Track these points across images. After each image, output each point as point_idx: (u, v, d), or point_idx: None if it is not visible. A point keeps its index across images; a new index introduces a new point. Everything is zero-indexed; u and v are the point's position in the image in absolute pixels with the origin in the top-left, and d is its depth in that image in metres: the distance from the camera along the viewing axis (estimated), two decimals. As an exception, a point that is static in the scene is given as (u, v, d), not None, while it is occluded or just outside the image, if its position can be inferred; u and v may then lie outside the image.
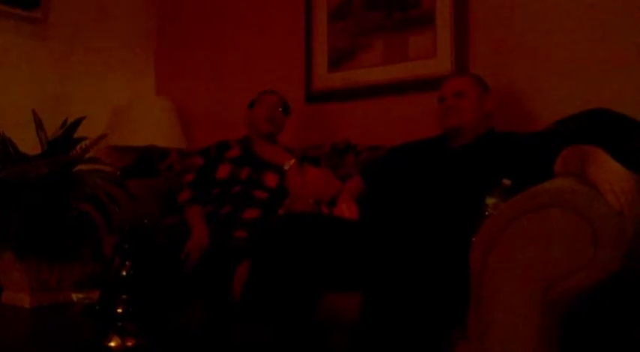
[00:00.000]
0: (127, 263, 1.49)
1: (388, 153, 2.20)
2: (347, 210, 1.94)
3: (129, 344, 1.43)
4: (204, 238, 2.18)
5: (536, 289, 1.25)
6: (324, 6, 2.85)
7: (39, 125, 2.18)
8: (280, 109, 2.55)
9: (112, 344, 1.43)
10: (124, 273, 1.49)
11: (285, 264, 1.64)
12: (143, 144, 3.15)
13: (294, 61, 2.96)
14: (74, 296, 1.80)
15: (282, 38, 3.04)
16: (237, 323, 1.76)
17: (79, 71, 3.25)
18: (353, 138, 2.59)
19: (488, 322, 1.28)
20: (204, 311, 1.91)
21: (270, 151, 2.41)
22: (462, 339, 1.39)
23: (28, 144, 2.29)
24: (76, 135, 2.21)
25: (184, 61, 3.50)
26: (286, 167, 2.31)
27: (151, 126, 3.18)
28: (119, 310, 1.46)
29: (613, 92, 2.01)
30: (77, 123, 2.16)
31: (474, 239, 1.38)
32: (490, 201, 1.54)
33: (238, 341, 1.70)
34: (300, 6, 2.92)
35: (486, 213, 1.52)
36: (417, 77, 2.54)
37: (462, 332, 1.39)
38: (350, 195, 2.04)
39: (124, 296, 1.46)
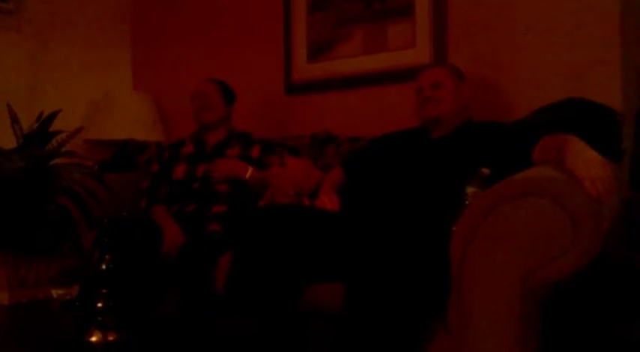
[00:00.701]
0: (106, 256, 1.47)
1: (369, 144, 2.20)
2: (328, 201, 1.94)
3: (110, 338, 1.42)
4: (177, 235, 2.16)
5: (516, 277, 1.26)
6: (303, -3, 2.84)
7: (14, 119, 2.14)
8: (218, 96, 2.49)
9: (94, 338, 1.42)
10: (104, 267, 1.47)
11: (268, 255, 1.64)
12: (121, 137, 3.11)
13: (273, 53, 2.94)
14: (54, 292, 1.77)
15: (261, 30, 3.02)
16: (220, 315, 1.76)
17: (54, 64, 3.19)
18: (333, 128, 2.58)
19: (469, 311, 1.29)
20: (185, 304, 1.90)
21: (225, 167, 2.33)
22: (441, 330, 1.40)
23: (2, 137, 2.25)
24: (51, 129, 2.17)
25: (161, 54, 3.46)
26: (247, 176, 2.28)
27: (128, 119, 3.14)
28: (99, 304, 1.44)
29: (593, 84, 2.03)
30: (53, 116, 2.13)
31: (454, 228, 1.39)
32: (470, 190, 1.56)
33: (221, 333, 1.70)
34: (279, -3, 2.91)
35: (466, 203, 1.53)
36: (396, 67, 2.54)
37: (441, 322, 1.40)
38: (331, 187, 2.04)
39: (104, 291, 1.45)
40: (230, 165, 2.32)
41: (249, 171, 2.28)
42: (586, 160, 1.32)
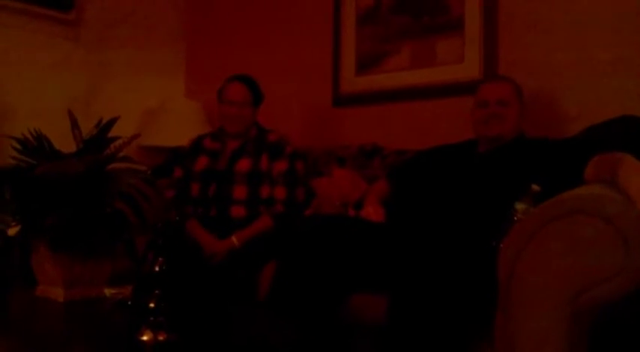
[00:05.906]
0: (159, 259, 1.52)
1: (415, 157, 2.20)
2: (374, 212, 1.94)
3: (160, 338, 1.46)
4: (214, 245, 2.17)
5: (563, 298, 1.24)
6: (353, 11, 2.87)
7: (74, 124, 2.23)
8: (249, 105, 2.42)
9: (145, 337, 1.46)
10: (157, 269, 1.51)
11: (312, 265, 1.66)
12: (172, 144, 3.20)
13: (322, 65, 2.98)
14: (107, 292, 1.84)
15: (311, 42, 3.06)
16: (263, 322, 1.79)
17: (111, 72, 3.32)
18: (379, 141, 2.60)
19: (515, 329, 1.27)
20: (231, 310, 1.94)
21: (217, 258, 2.19)
22: (486, 345, 1.39)
23: (62, 142, 2.34)
24: (109, 135, 2.26)
25: (213, 64, 3.55)
26: (237, 244, 2.19)
27: (180, 127, 3.23)
28: (151, 305, 1.49)
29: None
30: (111, 122, 2.22)
31: (501, 244, 1.38)
32: (519, 206, 1.54)
33: (264, 340, 1.73)
34: (329, 11, 2.95)
35: (515, 219, 1.52)
36: (444, 82, 2.54)
37: (487, 338, 1.39)
38: (376, 198, 2.05)
39: (156, 292, 1.49)
40: (220, 252, 2.22)
41: (235, 241, 2.21)
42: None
